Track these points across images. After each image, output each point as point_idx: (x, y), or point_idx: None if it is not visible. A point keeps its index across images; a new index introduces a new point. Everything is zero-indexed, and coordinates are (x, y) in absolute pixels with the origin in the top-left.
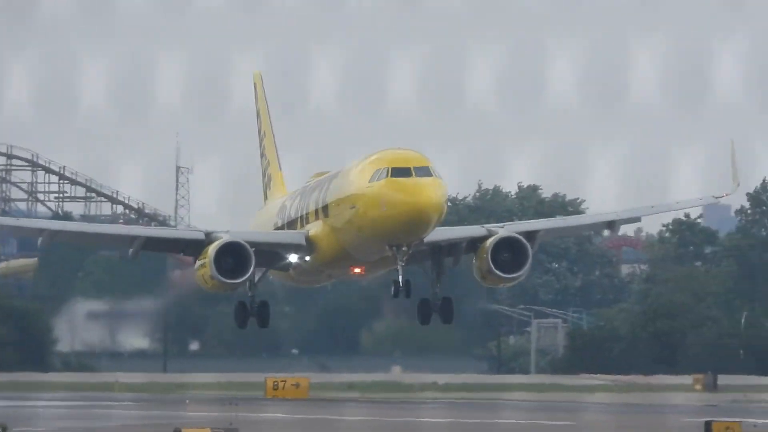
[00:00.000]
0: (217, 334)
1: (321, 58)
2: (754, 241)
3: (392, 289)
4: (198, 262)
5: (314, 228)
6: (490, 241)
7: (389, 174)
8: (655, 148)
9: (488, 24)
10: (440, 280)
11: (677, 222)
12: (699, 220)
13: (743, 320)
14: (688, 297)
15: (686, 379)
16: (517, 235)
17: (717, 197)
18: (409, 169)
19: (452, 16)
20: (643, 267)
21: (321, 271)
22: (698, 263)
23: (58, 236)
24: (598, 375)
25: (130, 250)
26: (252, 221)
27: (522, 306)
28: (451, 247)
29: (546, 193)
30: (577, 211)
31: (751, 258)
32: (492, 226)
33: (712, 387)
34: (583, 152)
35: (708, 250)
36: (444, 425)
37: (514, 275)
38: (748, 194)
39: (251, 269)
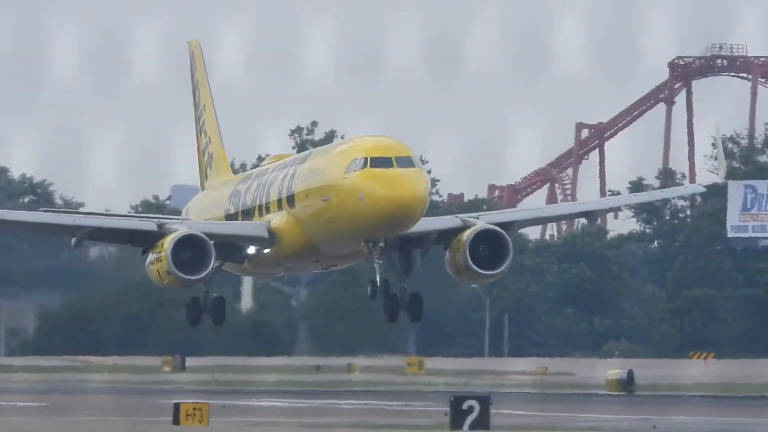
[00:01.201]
0: None
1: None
2: None
3: (369, 289)
4: (151, 256)
5: (277, 219)
6: (467, 234)
7: (368, 164)
8: None
9: None
10: (408, 274)
11: (146, 204)
12: (168, 202)
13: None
14: None
15: (155, 360)
16: (497, 228)
17: (704, 185)
18: (389, 159)
19: None
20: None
21: (280, 264)
22: None
23: None
24: (70, 357)
25: (73, 240)
26: (193, 205)
27: None
28: (420, 239)
29: None
30: None
31: None
32: (466, 217)
33: (181, 368)
34: None
35: None
36: None
37: (494, 272)
38: None
39: (212, 264)
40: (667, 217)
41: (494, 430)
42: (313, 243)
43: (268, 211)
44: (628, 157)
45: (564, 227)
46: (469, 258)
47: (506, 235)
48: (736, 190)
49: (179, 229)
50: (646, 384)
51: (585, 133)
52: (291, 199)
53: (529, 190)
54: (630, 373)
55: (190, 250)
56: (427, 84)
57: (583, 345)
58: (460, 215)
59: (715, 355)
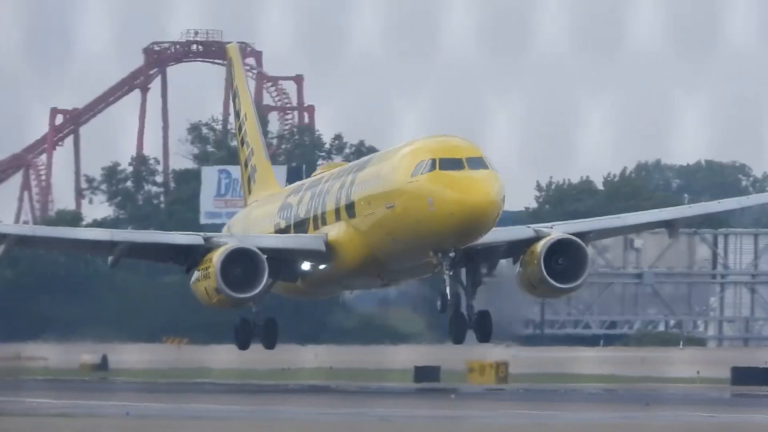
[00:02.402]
0: None
1: None
2: None
3: (439, 303)
4: (197, 273)
5: (335, 231)
6: (542, 245)
7: (437, 166)
8: None
9: None
10: (475, 290)
11: None
12: None
13: None
14: None
15: None
16: (574, 237)
17: None
18: (460, 160)
19: None
20: None
21: (338, 282)
22: None
23: (25, 242)
24: None
25: (110, 258)
26: (236, 223)
27: None
28: (488, 252)
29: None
30: None
31: None
32: (539, 227)
33: None
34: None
35: None
36: None
37: (571, 285)
38: None
39: (264, 281)
40: (141, 203)
41: None
42: (376, 255)
43: (324, 222)
44: (103, 143)
45: None
46: (544, 270)
47: (583, 245)
48: (210, 175)
49: (228, 242)
50: (121, 368)
51: (60, 118)
52: (350, 208)
53: (2, 176)
54: (104, 358)
55: (241, 265)
56: None
57: (55, 331)
58: (532, 225)
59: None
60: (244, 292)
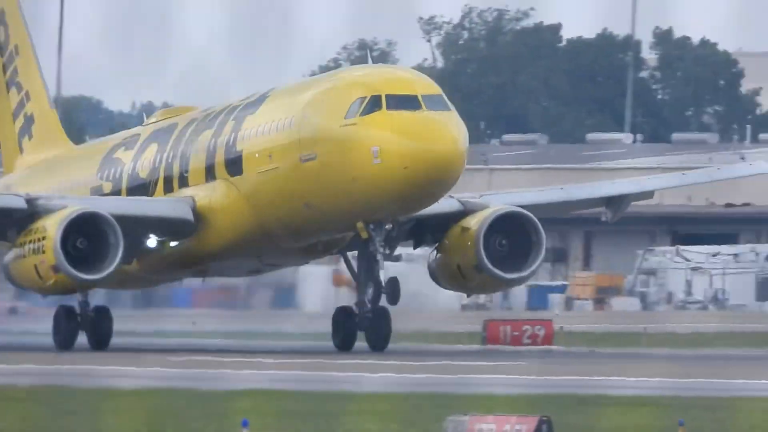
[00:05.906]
0: None
1: None
2: None
3: (370, 292)
4: (22, 248)
5: (207, 193)
6: (478, 221)
7: (382, 104)
8: None
9: None
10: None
11: None
12: None
13: None
14: None
15: None
16: (525, 211)
17: None
18: (415, 97)
19: None
20: None
21: (193, 264)
22: None
23: None
24: None
25: None
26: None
27: None
28: (392, 229)
29: None
30: None
31: None
32: (466, 198)
33: None
34: None
35: None
36: None
37: (520, 274)
38: None
39: (119, 257)
40: None
41: None
42: (270, 228)
43: (184, 183)
44: None
45: None
46: (484, 255)
47: (537, 222)
48: None
49: (68, 205)
50: None
51: None
52: (235, 163)
53: None
54: None
55: (87, 237)
56: None
57: None
58: (457, 196)
59: None
60: (92, 273)
